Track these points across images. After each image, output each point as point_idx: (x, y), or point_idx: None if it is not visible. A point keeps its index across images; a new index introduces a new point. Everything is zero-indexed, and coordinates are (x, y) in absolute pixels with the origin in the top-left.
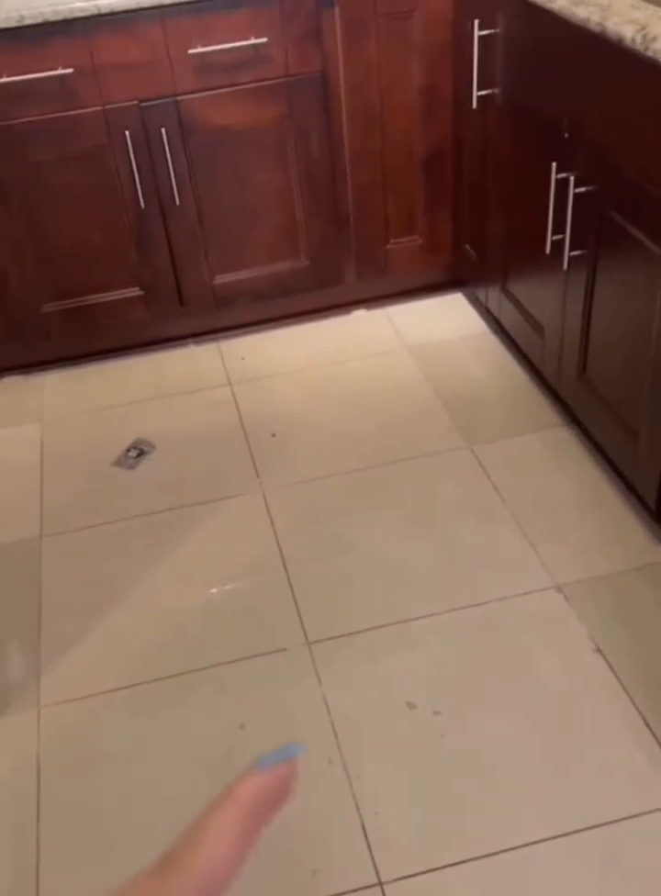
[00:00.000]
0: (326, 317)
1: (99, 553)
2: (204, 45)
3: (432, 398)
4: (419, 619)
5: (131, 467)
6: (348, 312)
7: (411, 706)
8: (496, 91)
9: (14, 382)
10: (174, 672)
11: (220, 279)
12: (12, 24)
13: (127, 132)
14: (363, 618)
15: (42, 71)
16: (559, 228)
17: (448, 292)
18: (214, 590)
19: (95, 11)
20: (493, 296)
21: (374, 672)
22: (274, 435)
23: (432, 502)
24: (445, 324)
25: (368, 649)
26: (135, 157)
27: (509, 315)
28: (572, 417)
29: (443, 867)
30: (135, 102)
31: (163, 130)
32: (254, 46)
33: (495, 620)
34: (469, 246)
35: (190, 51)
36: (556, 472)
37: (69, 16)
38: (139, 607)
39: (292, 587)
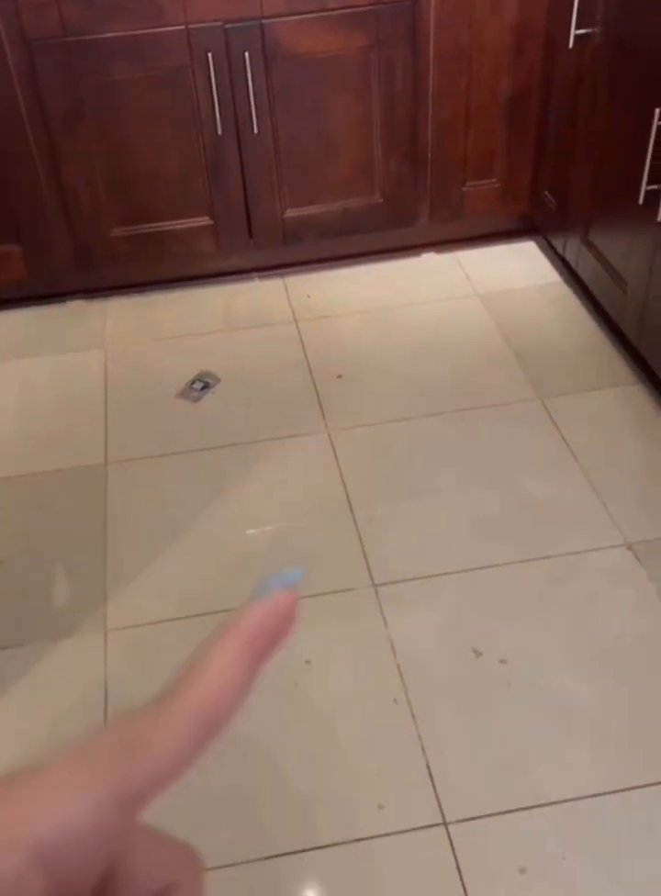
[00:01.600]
0: (394, 258)
1: (164, 483)
2: None
3: (503, 347)
4: (485, 568)
5: (196, 400)
6: (417, 255)
7: (477, 653)
8: (595, 30)
9: (78, 306)
10: (239, 604)
11: (291, 212)
12: None
13: (209, 54)
14: (429, 563)
15: None
16: (656, 178)
17: (521, 239)
18: (279, 526)
19: None
20: (572, 245)
21: (439, 617)
22: (340, 376)
23: (501, 452)
24: (518, 272)
25: (434, 594)
26: (216, 80)
27: (588, 266)
28: (650, 374)
29: (508, 811)
30: (220, 23)
31: (247, 54)
32: None
33: (563, 573)
34: (549, 193)
35: None
36: (630, 430)
37: None
38: (203, 538)
39: (358, 528)
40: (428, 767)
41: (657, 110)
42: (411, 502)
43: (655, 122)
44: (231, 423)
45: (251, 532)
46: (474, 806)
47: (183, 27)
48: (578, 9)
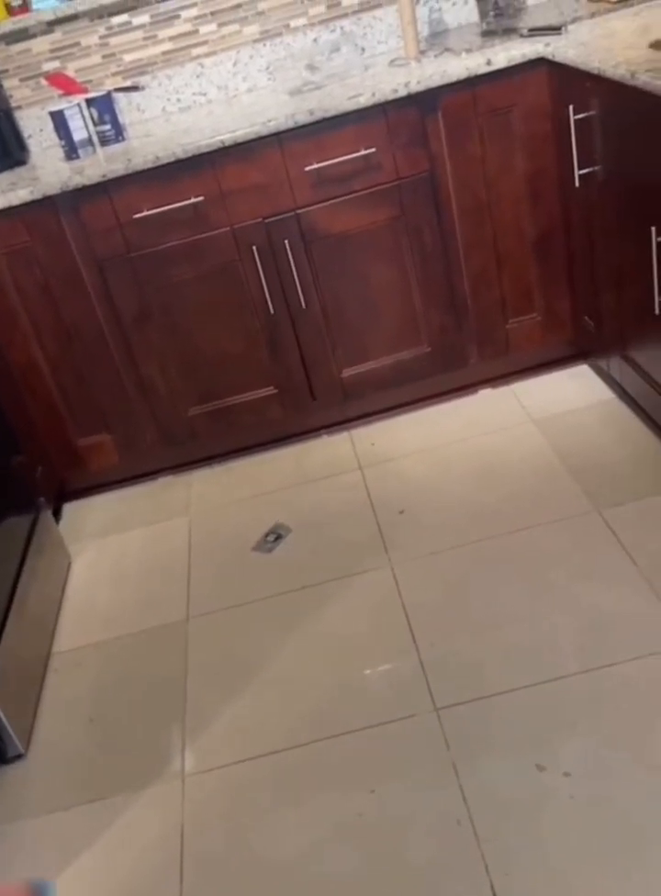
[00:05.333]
0: (452, 398)
1: (239, 632)
2: (318, 161)
3: (559, 466)
4: (549, 681)
5: (269, 551)
6: (474, 392)
7: (540, 768)
8: (597, 168)
9: (167, 482)
10: (309, 740)
11: (347, 372)
12: (149, 165)
13: (254, 247)
14: (491, 683)
15: (177, 201)
16: None
17: (573, 364)
18: (344, 662)
19: (220, 145)
20: (614, 364)
21: (501, 734)
22: (401, 512)
23: (562, 566)
24: (571, 396)
25: (496, 713)
26: (262, 268)
27: (631, 380)
28: None
29: None
30: (260, 219)
31: (287, 242)
32: (364, 156)
33: (630, 681)
34: (587, 318)
35: (306, 168)
36: None
37: (197, 152)
38: (276, 680)
39: (420, 654)
40: (492, 889)
41: (653, 229)
42: (472, 623)
43: (654, 239)
44: (301, 569)
45: (319, 669)
46: None
47: (228, 228)
48: (578, 152)
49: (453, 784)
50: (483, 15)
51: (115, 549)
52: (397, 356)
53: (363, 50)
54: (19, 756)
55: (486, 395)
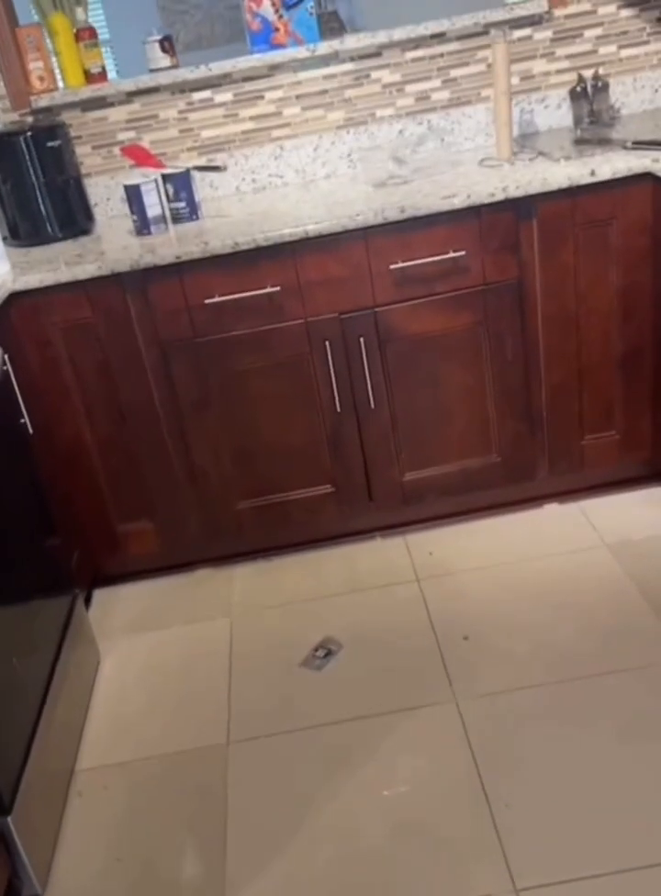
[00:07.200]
0: (516, 511)
1: (286, 766)
2: (404, 260)
3: (638, 600)
4: (645, 868)
5: (318, 668)
6: (539, 506)
7: None
8: None
9: (206, 574)
10: None
11: (410, 476)
12: (228, 250)
13: (327, 342)
14: (580, 860)
15: (253, 289)
16: None
17: (648, 486)
18: (406, 812)
19: (304, 235)
20: None
21: None
22: (466, 638)
23: (650, 720)
24: (647, 520)
25: None
26: (333, 364)
27: None
28: None
29: None
30: (336, 314)
31: (362, 339)
32: (453, 259)
33: None
34: None
35: (391, 266)
36: None
37: (279, 241)
38: (327, 833)
39: (493, 815)
40: None
41: None
42: (552, 784)
43: None
44: (355, 694)
45: (376, 818)
46: None
47: (302, 320)
48: None
49: None
50: (577, 120)
51: (148, 649)
52: (464, 463)
53: (449, 145)
54: None
55: (552, 510)
